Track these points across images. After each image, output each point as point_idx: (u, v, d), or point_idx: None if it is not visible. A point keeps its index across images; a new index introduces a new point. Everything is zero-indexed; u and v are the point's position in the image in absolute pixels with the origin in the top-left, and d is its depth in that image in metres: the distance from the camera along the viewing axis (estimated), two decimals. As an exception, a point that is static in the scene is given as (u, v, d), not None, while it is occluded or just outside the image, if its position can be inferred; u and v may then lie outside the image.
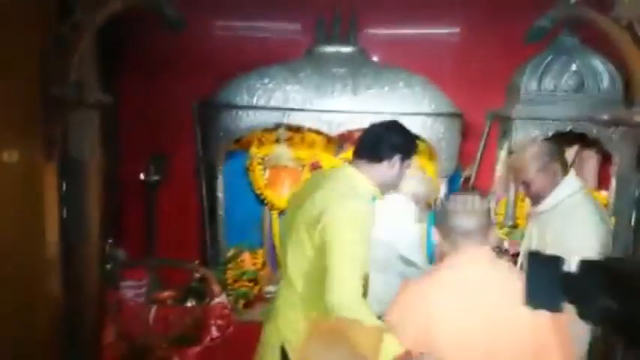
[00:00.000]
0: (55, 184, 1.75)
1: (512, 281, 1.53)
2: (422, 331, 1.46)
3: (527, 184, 2.21)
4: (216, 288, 2.04)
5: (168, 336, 1.98)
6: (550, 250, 2.05)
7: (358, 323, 0.95)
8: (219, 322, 1.91)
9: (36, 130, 1.72)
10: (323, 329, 0.91)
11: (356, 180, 1.90)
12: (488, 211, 1.60)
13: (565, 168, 2.23)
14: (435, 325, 1.46)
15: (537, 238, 2.25)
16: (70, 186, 1.82)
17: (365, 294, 1.89)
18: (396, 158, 1.91)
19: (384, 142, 1.91)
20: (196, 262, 2.70)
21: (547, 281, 1.23)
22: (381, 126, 1.99)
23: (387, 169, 1.91)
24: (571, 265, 1.20)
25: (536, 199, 2.26)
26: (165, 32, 2.60)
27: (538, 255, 1.28)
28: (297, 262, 1.84)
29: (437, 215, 1.66)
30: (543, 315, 1.44)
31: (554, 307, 1.24)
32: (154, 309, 1.98)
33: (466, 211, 1.56)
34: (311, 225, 1.79)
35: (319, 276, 1.73)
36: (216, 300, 1.99)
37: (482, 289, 1.50)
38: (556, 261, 1.23)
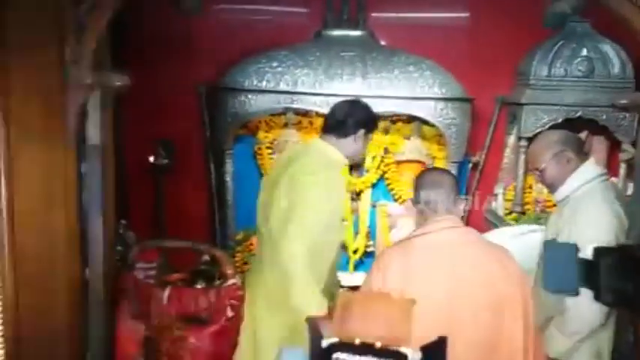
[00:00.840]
0: (74, 167, 1.75)
1: (472, 242, 1.73)
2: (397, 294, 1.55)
3: (541, 172, 2.18)
4: (229, 270, 2.05)
5: (183, 316, 2.00)
6: (560, 239, 2.07)
7: (387, 295, 0.99)
8: (234, 302, 1.93)
9: (56, 113, 1.72)
10: (355, 300, 0.94)
11: (327, 151, 2.13)
12: (455, 185, 1.80)
13: (582, 156, 2.18)
14: (407, 286, 1.60)
15: (552, 226, 2.24)
16: (89, 169, 1.83)
17: (335, 261, 2.14)
18: (361, 133, 2.14)
19: (350, 119, 2.14)
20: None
21: (563, 267, 1.29)
22: (346, 104, 2.24)
23: (352, 142, 2.14)
24: (586, 252, 1.26)
25: (551, 188, 2.23)
26: (179, 15, 2.59)
27: (553, 243, 1.38)
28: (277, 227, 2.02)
29: (413, 191, 1.85)
30: (499, 271, 1.67)
31: (570, 291, 1.31)
32: (167, 290, 1.99)
33: (432, 185, 1.77)
34: (289, 191, 2.01)
35: None
36: (230, 281, 2.01)
37: (444, 252, 1.68)
38: (570, 248, 1.30)
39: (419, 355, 0.90)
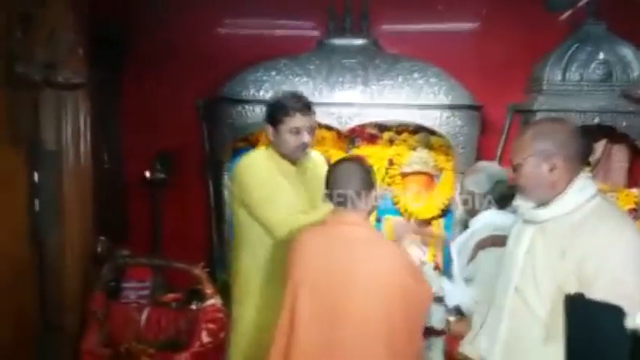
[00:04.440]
0: (24, 173, 1.62)
1: (359, 239, 1.74)
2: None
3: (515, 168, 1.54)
4: (209, 289, 1.89)
5: (159, 340, 1.84)
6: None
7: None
8: (211, 325, 1.76)
9: (2, 112, 1.58)
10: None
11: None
12: (364, 178, 1.77)
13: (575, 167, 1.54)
14: (296, 269, 1.73)
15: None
16: (43, 176, 1.69)
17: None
18: (267, 127, 2.15)
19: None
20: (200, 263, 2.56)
21: (599, 339, 0.88)
22: None
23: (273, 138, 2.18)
24: (636, 320, 0.87)
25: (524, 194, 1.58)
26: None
27: (583, 301, 0.92)
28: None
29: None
30: (379, 265, 1.69)
31: None
32: (146, 311, 1.84)
33: (340, 178, 1.77)
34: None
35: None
36: (209, 302, 1.84)
37: (331, 244, 1.73)
38: (614, 313, 0.87)
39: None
